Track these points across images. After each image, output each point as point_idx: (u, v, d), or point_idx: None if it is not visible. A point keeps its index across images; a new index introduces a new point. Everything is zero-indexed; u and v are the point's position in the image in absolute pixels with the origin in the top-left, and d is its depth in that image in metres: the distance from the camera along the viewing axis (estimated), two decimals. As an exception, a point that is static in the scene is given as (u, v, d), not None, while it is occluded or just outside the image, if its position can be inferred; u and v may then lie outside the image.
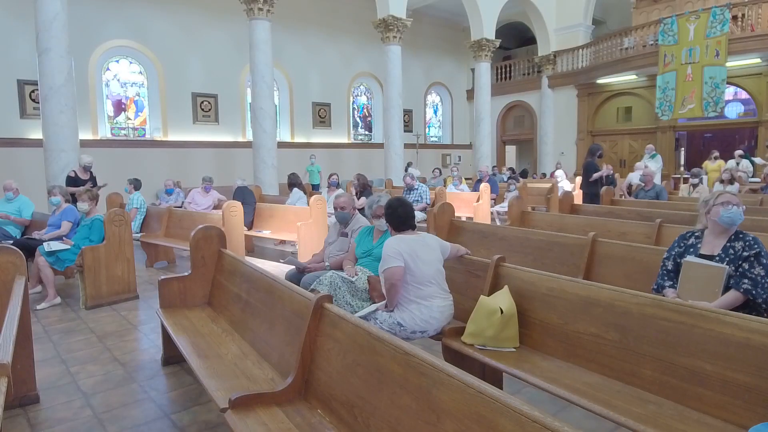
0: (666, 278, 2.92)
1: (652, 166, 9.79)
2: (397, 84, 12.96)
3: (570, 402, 2.16)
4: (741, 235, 2.77)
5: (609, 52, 14.98)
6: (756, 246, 2.67)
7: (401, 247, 2.90)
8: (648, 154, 10.80)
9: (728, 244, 2.76)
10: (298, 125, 15.45)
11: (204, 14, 13.20)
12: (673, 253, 2.96)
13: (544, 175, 15.77)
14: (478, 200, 9.20)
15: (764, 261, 2.63)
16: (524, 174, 15.80)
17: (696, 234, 2.95)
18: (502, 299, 2.75)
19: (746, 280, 2.59)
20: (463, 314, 3.01)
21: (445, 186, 10.76)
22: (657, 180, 9.12)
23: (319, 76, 15.83)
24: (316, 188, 12.55)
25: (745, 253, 2.67)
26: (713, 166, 10.63)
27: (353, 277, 3.40)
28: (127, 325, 4.48)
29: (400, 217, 3.09)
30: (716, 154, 11.08)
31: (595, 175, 7.82)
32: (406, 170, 12.03)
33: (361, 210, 4.70)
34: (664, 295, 2.80)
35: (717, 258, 2.76)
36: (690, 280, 2.77)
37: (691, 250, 2.89)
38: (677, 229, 4.35)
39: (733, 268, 2.67)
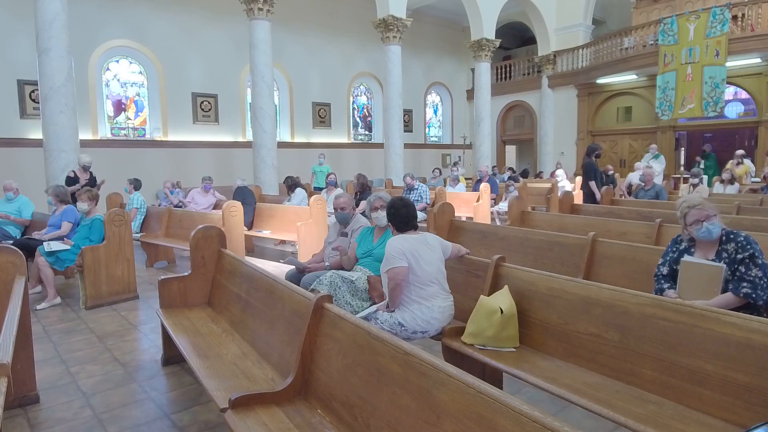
0: (663, 281, 2.92)
1: (656, 166, 9.76)
2: (397, 84, 12.95)
3: (570, 402, 2.16)
4: (732, 236, 2.75)
5: (609, 52, 14.97)
6: (749, 247, 2.66)
7: (404, 246, 2.90)
8: (651, 153, 10.80)
9: (720, 248, 2.76)
10: (298, 125, 15.45)
11: (204, 14, 13.19)
12: (668, 258, 2.96)
13: (542, 173, 15.71)
14: (478, 200, 9.20)
15: (759, 261, 2.62)
16: (525, 174, 15.78)
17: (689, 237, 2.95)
18: (502, 299, 2.75)
19: (745, 284, 2.58)
20: (463, 314, 3.01)
21: (445, 186, 10.76)
22: (658, 180, 9.10)
23: (319, 76, 15.82)
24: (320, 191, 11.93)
25: (740, 256, 2.65)
26: (739, 171, 10.10)
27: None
28: (127, 325, 4.48)
29: (403, 217, 3.09)
30: (742, 152, 10.59)
31: (593, 187, 7.79)
32: (454, 166, 11.93)
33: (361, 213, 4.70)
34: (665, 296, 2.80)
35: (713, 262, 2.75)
36: (689, 280, 2.77)
37: (685, 255, 2.89)
38: (677, 229, 4.33)
39: (729, 272, 2.66)
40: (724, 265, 2.65)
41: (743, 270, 2.62)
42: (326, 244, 4.26)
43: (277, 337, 2.64)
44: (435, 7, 17.17)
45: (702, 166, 11.24)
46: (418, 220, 3.23)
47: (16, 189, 6.33)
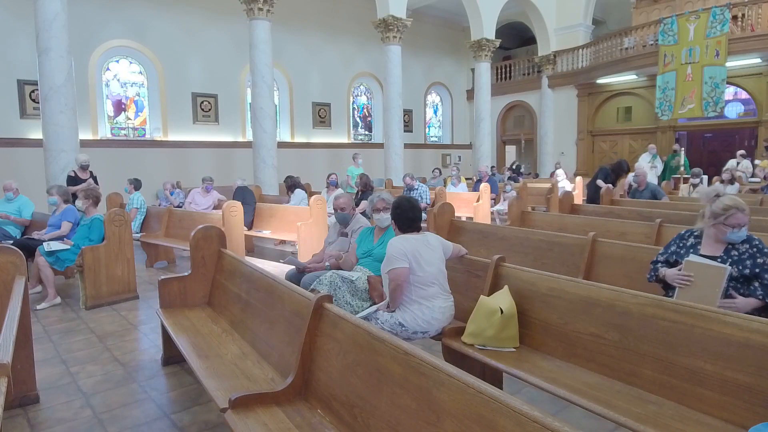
0: (659, 265, 2.91)
1: (659, 165, 9.71)
2: (397, 84, 12.95)
3: (570, 402, 2.16)
4: (746, 237, 2.72)
5: (609, 52, 14.97)
6: (766, 250, 2.64)
7: (406, 247, 2.90)
8: (650, 153, 10.78)
9: (730, 246, 2.73)
10: (298, 125, 15.45)
11: (204, 14, 13.19)
12: (670, 251, 2.94)
13: (538, 175, 15.68)
14: (478, 200, 9.20)
15: None
16: (517, 169, 15.75)
17: (695, 233, 2.90)
18: (502, 299, 2.75)
19: None
20: (463, 314, 3.01)
21: (445, 186, 10.76)
22: (655, 179, 9.08)
23: (319, 76, 15.82)
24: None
25: (759, 260, 2.61)
26: (764, 163, 9.88)
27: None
28: (127, 325, 4.48)
29: (408, 218, 3.08)
30: (743, 152, 10.46)
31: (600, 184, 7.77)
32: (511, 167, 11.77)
33: (362, 213, 4.70)
34: (660, 276, 2.83)
35: (719, 260, 2.71)
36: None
37: (691, 251, 2.85)
38: (677, 229, 4.35)
39: (736, 270, 2.62)
40: (729, 267, 2.60)
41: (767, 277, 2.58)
42: (326, 244, 4.27)
43: (277, 337, 2.64)
44: (435, 7, 17.16)
45: None
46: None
47: (16, 189, 6.33)
